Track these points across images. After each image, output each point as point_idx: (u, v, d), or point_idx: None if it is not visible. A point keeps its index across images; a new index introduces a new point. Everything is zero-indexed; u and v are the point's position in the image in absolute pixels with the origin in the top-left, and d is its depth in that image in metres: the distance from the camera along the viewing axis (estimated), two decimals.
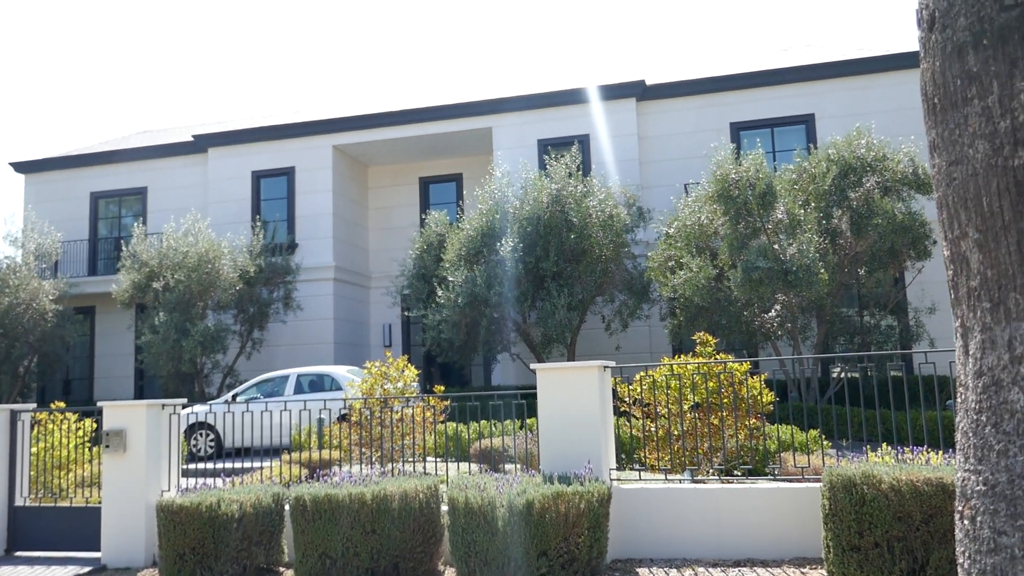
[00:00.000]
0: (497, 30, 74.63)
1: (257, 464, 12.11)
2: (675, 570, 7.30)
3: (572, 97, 20.29)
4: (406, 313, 18.91)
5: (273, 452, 12.41)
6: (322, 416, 12.39)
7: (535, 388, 8.19)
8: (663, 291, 15.21)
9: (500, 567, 6.65)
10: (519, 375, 18.64)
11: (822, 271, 13.23)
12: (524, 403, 9.45)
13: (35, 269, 20.10)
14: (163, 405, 9.78)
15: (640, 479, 8.29)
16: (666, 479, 8.31)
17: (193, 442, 15.00)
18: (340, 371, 15.42)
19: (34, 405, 11.16)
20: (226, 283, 18.34)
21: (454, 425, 12.14)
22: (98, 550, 9.72)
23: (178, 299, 17.88)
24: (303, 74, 74.53)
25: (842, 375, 14.26)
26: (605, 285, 16.57)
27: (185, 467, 11.64)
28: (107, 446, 9.48)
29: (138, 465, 9.42)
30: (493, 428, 12.40)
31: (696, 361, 9.32)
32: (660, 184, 19.43)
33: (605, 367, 8.20)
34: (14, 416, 10.61)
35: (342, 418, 12.37)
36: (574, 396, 7.91)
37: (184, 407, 10.28)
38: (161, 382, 19.00)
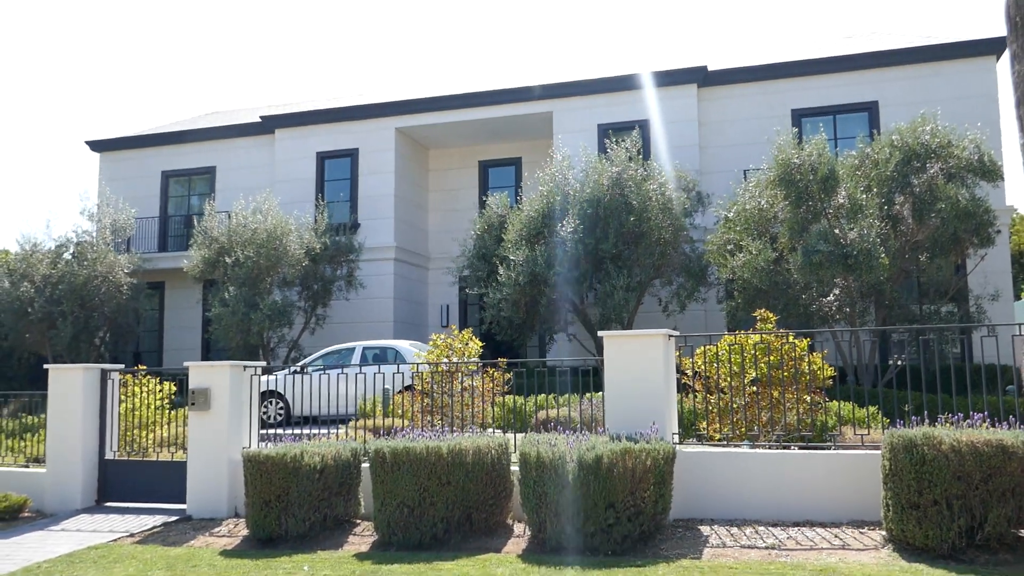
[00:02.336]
0: (559, 15, 74.63)
1: (324, 431, 12.64)
2: (736, 528, 7.60)
3: (633, 82, 20.45)
4: (467, 291, 19.34)
5: (339, 421, 12.90)
6: (387, 386, 12.88)
7: (593, 365, 8.52)
8: (722, 273, 15.37)
9: (570, 518, 7.01)
10: (574, 355, 18.94)
11: (883, 255, 13.28)
12: (590, 371, 9.78)
13: (111, 243, 20.94)
14: (244, 367, 10.36)
15: (701, 445, 8.58)
16: (727, 445, 8.58)
17: (263, 409, 15.60)
18: (404, 345, 15.92)
19: (122, 366, 11.82)
20: (293, 259, 18.96)
21: (514, 398, 12.51)
22: (181, 502, 10.33)
23: (247, 274, 18.53)
24: (367, 56, 75.64)
25: (900, 359, 14.28)
26: (663, 268, 16.79)
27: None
28: (192, 404, 10.07)
29: (221, 422, 9.99)
30: (554, 401, 12.74)
31: (758, 335, 9.53)
32: (719, 170, 19.51)
33: (670, 336, 8.50)
34: (105, 375, 11.29)
35: (407, 388, 12.80)
36: (640, 362, 8.23)
37: (263, 371, 10.81)
38: (228, 355, 19.69)
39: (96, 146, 25.80)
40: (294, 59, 76.29)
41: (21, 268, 20.17)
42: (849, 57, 19.43)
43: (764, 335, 9.38)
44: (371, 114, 22.71)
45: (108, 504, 10.91)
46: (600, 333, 8.68)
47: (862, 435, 8.06)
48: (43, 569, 7.81)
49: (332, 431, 12.24)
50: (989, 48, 18.32)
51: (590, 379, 12.44)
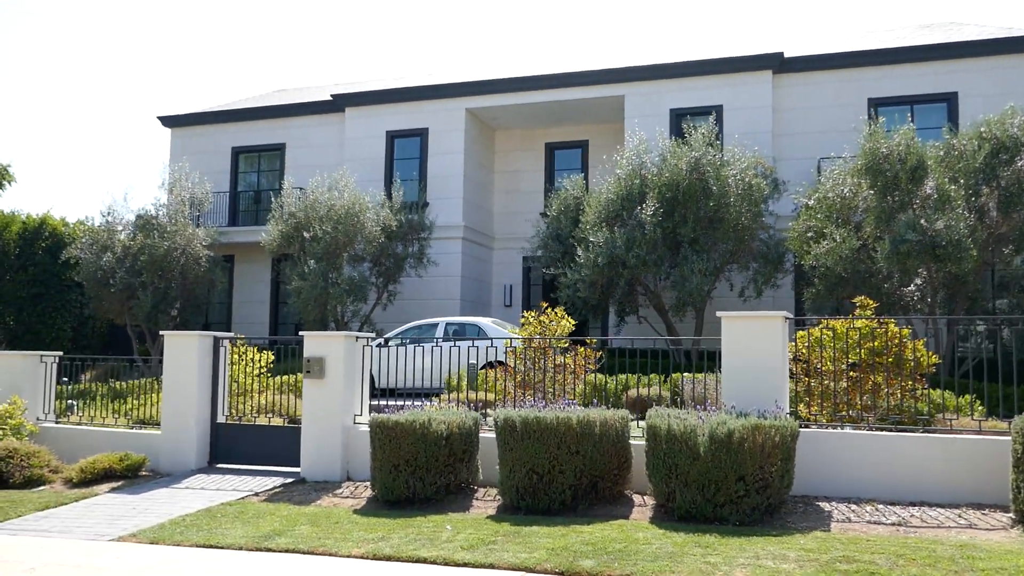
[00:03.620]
0: None
1: (412, 404, 13.02)
2: (855, 505, 7.85)
3: (707, 67, 20.52)
4: (544, 272, 19.63)
5: (423, 395, 13.25)
6: (474, 361, 13.21)
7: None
8: (805, 260, 15.50)
9: (700, 488, 7.31)
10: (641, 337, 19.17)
11: (971, 247, 13.36)
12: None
13: (188, 216, 21.48)
14: (356, 337, 10.77)
15: (813, 426, 8.82)
16: (837, 426, 8.83)
17: None
18: (486, 321, 16.29)
19: (232, 334, 12.30)
20: (369, 236, 19.39)
21: (600, 376, 12.79)
22: (289, 465, 10.81)
23: (324, 249, 18.99)
24: (435, 35, 75.93)
25: (989, 346, 14.39)
26: (739, 253, 16.98)
27: None
28: (307, 372, 10.51)
29: (335, 390, 10.42)
30: (635, 381, 13.01)
31: (863, 319, 9.72)
32: (793, 157, 19.57)
33: (786, 318, 8.74)
34: (217, 342, 11.77)
35: (499, 363, 13.11)
36: (759, 342, 8.50)
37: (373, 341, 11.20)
38: (303, 328, 20.18)
39: (168, 122, 26.38)
40: (361, 36, 76.88)
41: (103, 239, 20.79)
42: (928, 47, 19.33)
43: (870, 320, 9.57)
44: (441, 94, 22.98)
45: (219, 466, 11.42)
46: (719, 314, 8.94)
47: (979, 420, 8.26)
48: (187, 522, 8.26)
49: (419, 404, 12.64)
50: None
51: (669, 361, 12.73)
